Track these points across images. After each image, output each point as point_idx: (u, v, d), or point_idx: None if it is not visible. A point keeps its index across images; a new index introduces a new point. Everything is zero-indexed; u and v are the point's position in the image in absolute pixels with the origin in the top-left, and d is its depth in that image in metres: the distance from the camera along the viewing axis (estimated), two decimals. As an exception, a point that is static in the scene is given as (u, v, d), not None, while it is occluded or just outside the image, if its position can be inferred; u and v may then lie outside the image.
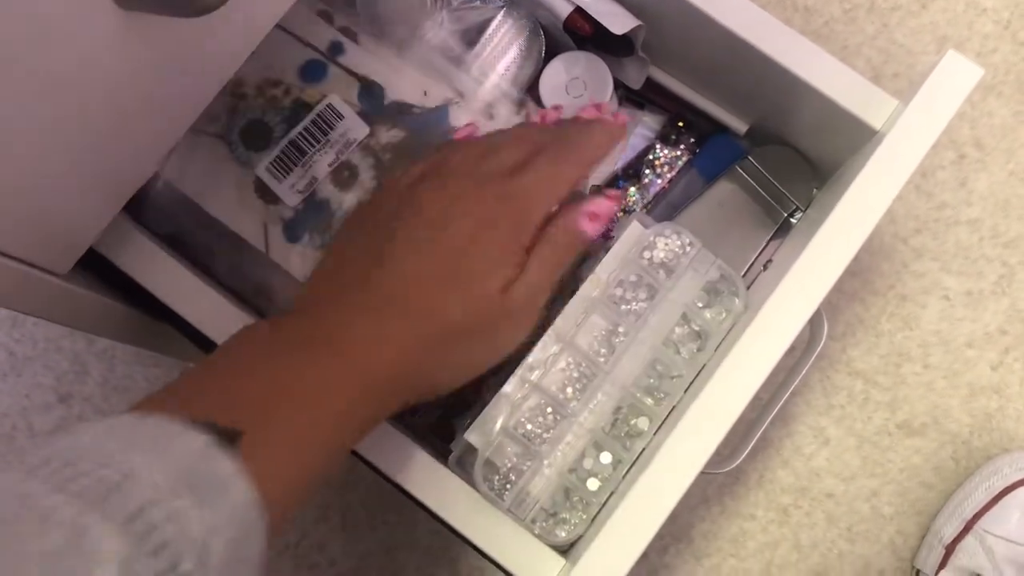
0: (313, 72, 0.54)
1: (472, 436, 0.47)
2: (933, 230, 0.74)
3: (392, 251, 0.43)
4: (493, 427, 0.47)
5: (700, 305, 0.48)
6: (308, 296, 0.44)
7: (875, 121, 0.49)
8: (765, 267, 0.57)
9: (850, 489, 0.71)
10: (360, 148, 0.53)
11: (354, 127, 0.53)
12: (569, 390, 0.47)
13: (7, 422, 0.74)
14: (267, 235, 0.53)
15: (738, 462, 0.54)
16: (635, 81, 0.59)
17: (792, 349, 0.48)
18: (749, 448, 0.54)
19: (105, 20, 0.34)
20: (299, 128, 0.53)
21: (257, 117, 0.54)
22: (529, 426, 0.47)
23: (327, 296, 0.43)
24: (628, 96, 0.62)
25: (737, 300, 0.48)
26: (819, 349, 0.53)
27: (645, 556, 0.73)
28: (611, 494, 0.47)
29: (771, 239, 0.59)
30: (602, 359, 0.47)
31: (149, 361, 0.77)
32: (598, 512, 0.47)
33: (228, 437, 0.33)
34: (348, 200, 0.53)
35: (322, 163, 0.53)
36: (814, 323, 0.54)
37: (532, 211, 0.44)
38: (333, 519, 0.73)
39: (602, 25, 0.52)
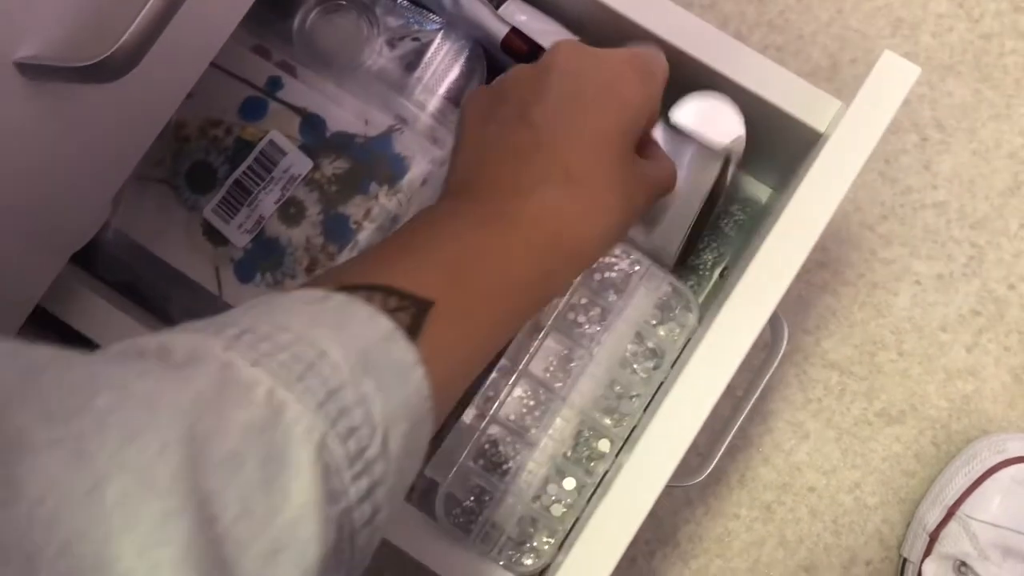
0: (253, 109, 0.53)
1: (432, 470, 0.46)
2: (900, 215, 0.74)
3: (535, 122, 0.42)
4: (453, 460, 0.46)
5: (653, 323, 0.48)
6: (463, 183, 0.43)
7: (819, 124, 0.48)
8: (723, 276, 0.56)
9: (832, 482, 0.71)
10: (305, 183, 0.52)
11: (297, 162, 0.52)
12: (527, 418, 0.47)
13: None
14: (219, 277, 0.53)
15: (705, 475, 0.53)
16: (581, 93, 0.58)
17: (763, 347, 0.47)
18: (715, 461, 0.53)
19: (13, 92, 0.34)
20: (242, 167, 0.52)
21: (201, 158, 0.53)
22: (490, 456, 0.47)
23: (484, 179, 0.42)
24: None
25: (691, 314, 0.48)
26: (781, 354, 0.53)
27: (633, 561, 0.73)
28: (577, 519, 0.47)
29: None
30: (559, 384, 0.47)
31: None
32: (565, 538, 0.47)
33: (420, 307, 0.33)
34: (297, 236, 0.52)
35: (268, 201, 0.52)
36: (774, 327, 0.54)
37: (657, 74, 0.44)
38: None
39: (538, 43, 0.52)
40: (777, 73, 0.49)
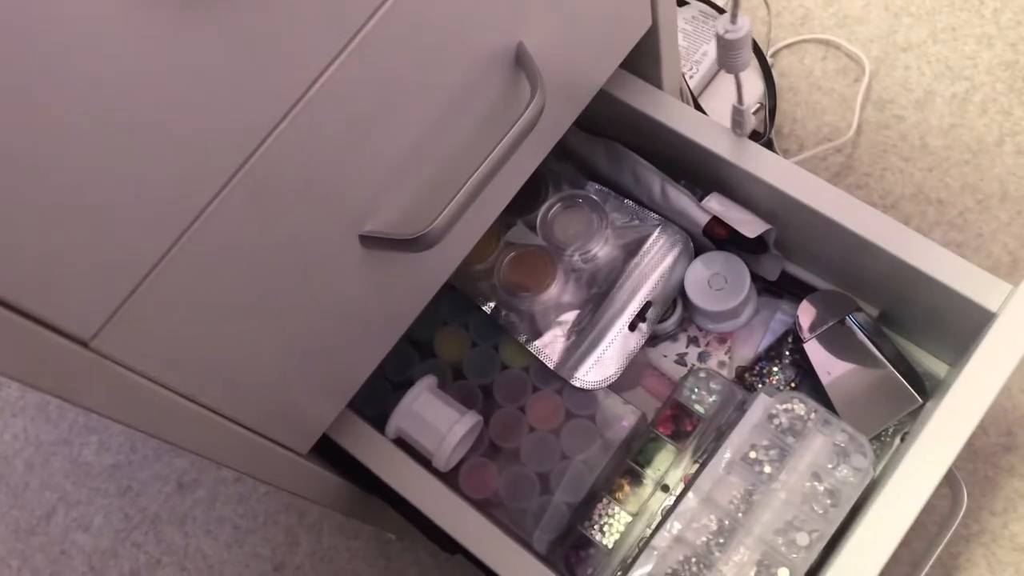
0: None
1: (627, 585, 0.53)
2: (1088, 404, 0.75)
3: None
4: (646, 576, 0.53)
5: (830, 465, 0.54)
6: None
7: (991, 304, 0.54)
8: (903, 439, 0.61)
9: (1027, 668, 0.70)
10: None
11: None
12: (712, 543, 0.54)
13: (232, 588, 0.85)
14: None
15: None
16: (770, 274, 0.67)
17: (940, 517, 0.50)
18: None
19: (352, 259, 0.45)
20: None
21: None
22: (678, 575, 0.53)
23: None
24: (766, 287, 0.70)
25: (865, 459, 0.54)
26: (961, 514, 0.56)
27: None
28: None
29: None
30: (741, 515, 0.54)
31: (351, 533, 0.87)
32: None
33: None
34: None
35: None
36: (954, 491, 0.58)
37: None
38: None
39: (737, 230, 0.61)
40: (950, 259, 0.56)
